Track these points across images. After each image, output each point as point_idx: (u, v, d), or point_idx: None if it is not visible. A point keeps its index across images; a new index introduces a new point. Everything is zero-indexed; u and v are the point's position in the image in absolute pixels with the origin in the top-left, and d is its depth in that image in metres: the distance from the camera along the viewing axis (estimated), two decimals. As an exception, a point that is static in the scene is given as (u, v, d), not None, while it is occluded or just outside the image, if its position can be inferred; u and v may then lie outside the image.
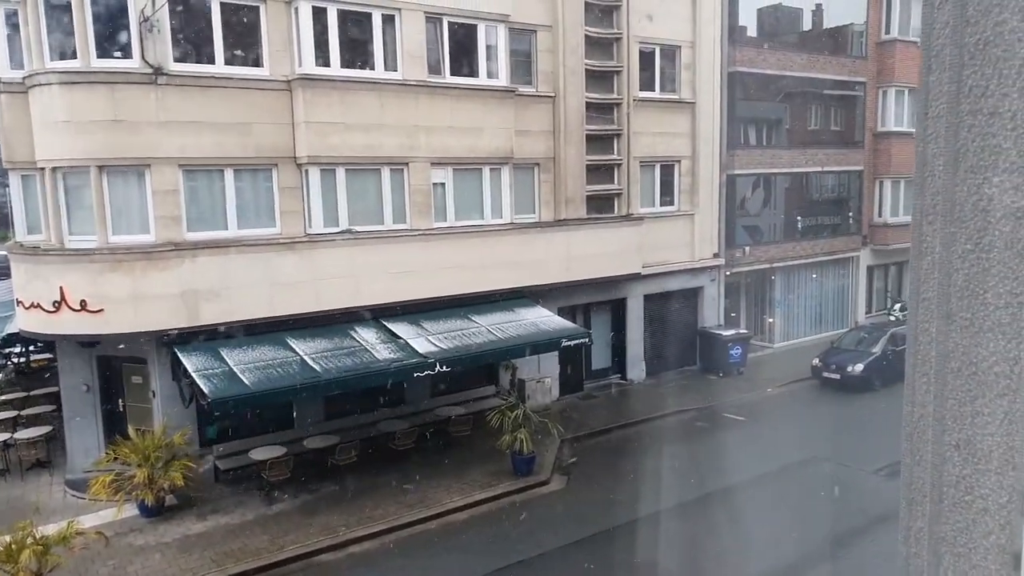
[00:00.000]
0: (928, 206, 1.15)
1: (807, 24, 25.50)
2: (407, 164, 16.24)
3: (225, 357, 13.88)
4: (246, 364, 13.77)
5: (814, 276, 26.13)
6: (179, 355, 13.84)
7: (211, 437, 15.33)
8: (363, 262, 15.52)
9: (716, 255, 22.68)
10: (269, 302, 14.52)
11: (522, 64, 18.52)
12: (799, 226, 25.22)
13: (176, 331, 13.92)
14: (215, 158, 14.36)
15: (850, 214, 26.75)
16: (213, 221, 14.68)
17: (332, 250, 15.26)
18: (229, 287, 14.12)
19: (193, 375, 13.29)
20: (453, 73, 16.71)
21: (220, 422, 15.24)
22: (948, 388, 1.13)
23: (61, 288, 13.42)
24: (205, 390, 12.81)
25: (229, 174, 14.65)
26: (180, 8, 13.86)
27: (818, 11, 25.64)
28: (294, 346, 14.55)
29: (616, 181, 20.34)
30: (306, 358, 14.24)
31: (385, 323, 15.89)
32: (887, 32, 26.58)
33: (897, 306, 27.25)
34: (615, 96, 20.00)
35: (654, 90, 21.04)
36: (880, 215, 27.33)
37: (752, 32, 23.66)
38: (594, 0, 19.24)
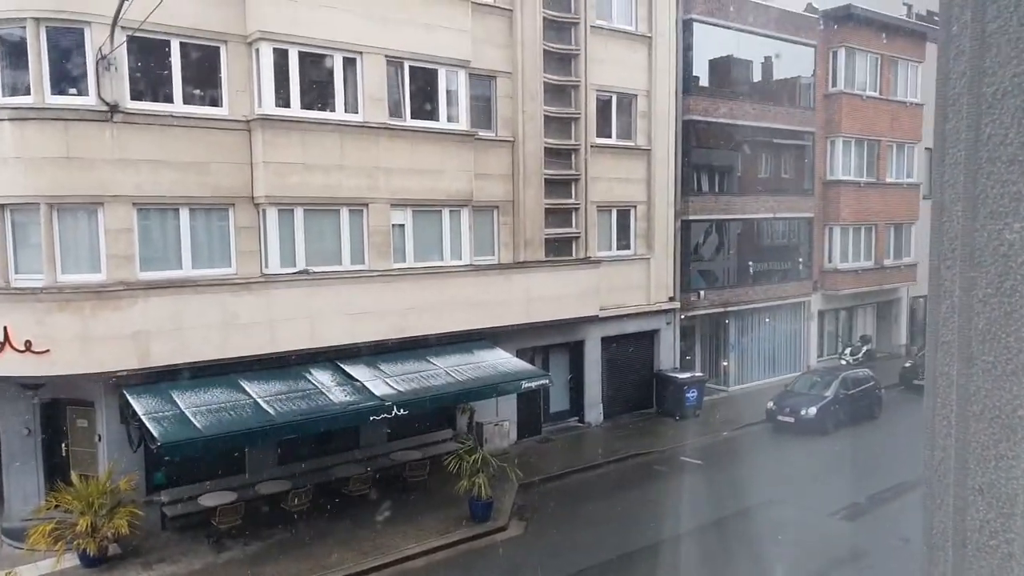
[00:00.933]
0: (947, 251, 1.16)
1: (757, 76, 26.38)
2: (367, 205, 16.18)
3: (176, 400, 13.47)
4: (198, 407, 13.37)
5: (767, 320, 26.63)
6: (128, 397, 13.37)
7: (159, 483, 14.76)
8: (320, 303, 15.30)
9: (672, 299, 22.98)
10: (223, 343, 14.18)
11: (482, 108, 18.75)
12: (751, 271, 25.74)
13: (126, 373, 13.47)
14: (171, 197, 14.12)
15: (800, 260, 27.44)
16: (167, 260, 14.38)
17: (289, 291, 15.02)
18: (182, 328, 13.75)
19: (143, 418, 12.84)
20: (414, 116, 16.82)
21: (169, 467, 14.71)
22: (970, 432, 1.13)
23: (5, 328, 12.91)
24: (155, 433, 12.38)
25: (185, 213, 14.40)
26: (139, 46, 13.72)
27: (768, 64, 26.54)
28: (248, 388, 14.19)
29: (574, 224, 20.57)
30: (260, 401, 13.89)
31: (341, 365, 15.63)
32: (833, 85, 27.67)
33: (848, 350, 27.91)
34: (573, 142, 20.33)
35: (611, 137, 21.46)
36: (830, 261, 28.09)
37: (705, 82, 24.38)
38: (553, 48, 19.66)
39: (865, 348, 28.22)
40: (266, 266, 15.18)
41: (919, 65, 29.94)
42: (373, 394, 14.71)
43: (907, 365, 26.49)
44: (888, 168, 29.30)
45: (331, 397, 14.50)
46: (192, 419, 12.94)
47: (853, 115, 27.78)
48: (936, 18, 33.91)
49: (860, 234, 28.70)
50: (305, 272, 15.38)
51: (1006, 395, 1.08)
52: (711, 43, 24.05)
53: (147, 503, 14.21)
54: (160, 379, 13.82)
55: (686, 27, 23.01)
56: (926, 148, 31.17)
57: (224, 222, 14.91)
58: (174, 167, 14.03)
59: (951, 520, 1.15)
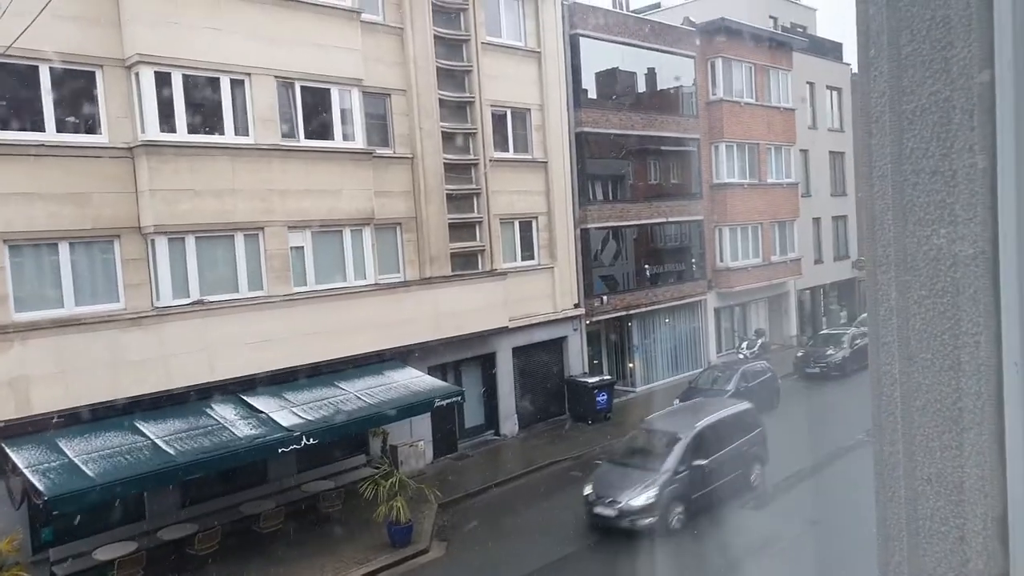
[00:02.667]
0: (881, 256, 1.24)
1: (642, 87, 27.30)
2: (262, 229, 15.71)
3: (64, 448, 12.59)
4: (89, 454, 12.55)
5: (667, 320, 27.51)
6: (7, 450, 12.40)
7: (47, 540, 13.71)
8: (218, 334, 14.70)
9: (577, 305, 23.40)
10: (114, 384, 13.39)
11: (379, 126, 18.59)
12: (648, 274, 26.56)
13: (2, 424, 12.50)
14: (47, 231, 13.26)
15: (694, 260, 28.52)
16: (46, 299, 13.48)
17: (183, 323, 14.36)
18: (66, 371, 12.91)
19: (24, 472, 11.92)
20: (308, 136, 16.50)
21: (58, 521, 13.71)
22: (915, 425, 1.20)
23: None
24: (40, 487, 11.51)
25: (64, 248, 13.56)
26: (5, 73, 12.87)
27: (651, 74, 27.49)
28: (144, 429, 13.46)
29: (478, 238, 20.65)
30: (158, 441, 13.19)
31: (245, 397, 15.06)
32: (714, 93, 28.99)
33: (744, 344, 29.18)
34: (472, 157, 20.44)
35: (509, 151, 21.72)
36: (722, 260, 29.32)
37: (593, 95, 25.03)
38: (446, 65, 19.73)
39: (760, 341, 29.59)
40: (157, 299, 14.48)
41: (788, 73, 31.81)
42: (280, 425, 14.24)
43: (799, 355, 27.99)
44: (768, 170, 30.91)
45: (235, 432, 13.94)
46: (83, 467, 12.13)
47: (733, 121, 29.18)
48: (799, 30, 36.22)
49: (748, 233, 30.13)
50: (200, 302, 14.77)
51: (946, 389, 1.16)
52: (597, 57, 24.75)
53: (34, 564, 13.17)
54: (44, 427, 12.90)
55: (573, 42, 23.58)
56: (800, 150, 33.11)
57: (109, 255, 14.13)
58: (50, 199, 13.19)
59: (903, 510, 1.22)
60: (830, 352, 27.13)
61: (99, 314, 13.71)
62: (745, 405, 17.17)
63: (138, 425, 13.51)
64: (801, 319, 34.26)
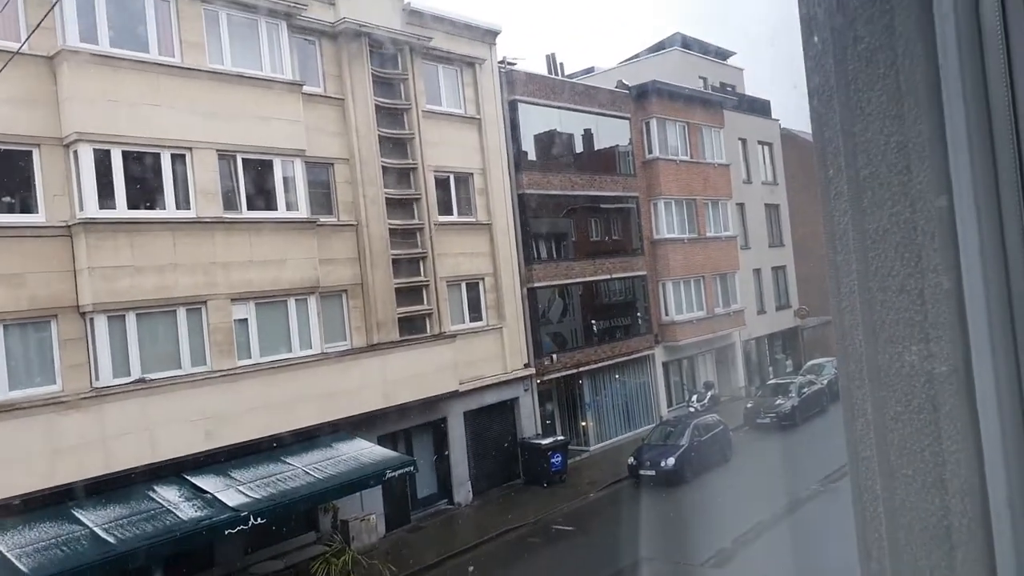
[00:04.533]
0: (854, 372, 1.26)
1: (580, 147, 27.95)
2: (205, 303, 15.37)
3: (-5, 543, 11.86)
4: (23, 548, 11.84)
5: (617, 376, 27.62)
6: (-68, 550, 11.62)
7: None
8: (160, 412, 14.18)
9: (527, 365, 23.35)
10: (50, 471, 12.74)
11: (322, 195, 18.55)
12: (596, 330, 26.73)
13: (-72, 521, 11.74)
14: (-22, 314, 12.74)
15: (640, 315, 28.86)
16: (-24, 385, 12.85)
17: (124, 403, 13.83)
18: (-2, 460, 12.24)
19: (-49, 571, 11.18)
20: (250, 207, 16.35)
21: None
22: (901, 544, 1.21)
23: None
24: (-30, 588, 10.80)
25: (-2, 330, 13.02)
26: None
27: (588, 135, 28.18)
28: (83, 518, 12.78)
29: (426, 301, 20.56)
30: (97, 530, 12.54)
31: (189, 478, 14.48)
32: (649, 152, 29.85)
33: (694, 397, 29.43)
34: (417, 221, 20.49)
35: (453, 214, 21.86)
36: (667, 314, 29.73)
37: (533, 156, 25.50)
38: (388, 134, 19.90)
39: (710, 394, 29.88)
40: (97, 379, 13.95)
41: (720, 130, 33.04)
42: (226, 505, 13.70)
43: (749, 406, 28.30)
44: (707, 224, 31.75)
45: (179, 515, 13.35)
46: (16, 562, 11.43)
47: (670, 178, 30.02)
48: (728, 89, 37.82)
49: (691, 286, 30.71)
50: (141, 381, 14.27)
51: (931, 507, 1.18)
52: (535, 120, 25.31)
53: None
54: (-26, 522, 12.15)
55: (511, 107, 24.09)
56: (737, 203, 34.17)
57: (46, 336, 13.61)
58: (-19, 281, 12.71)
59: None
60: (779, 402, 27.49)
61: (35, 398, 13.14)
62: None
63: (76, 513, 12.83)
64: (748, 370, 34.80)
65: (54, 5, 12.94)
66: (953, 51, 1.12)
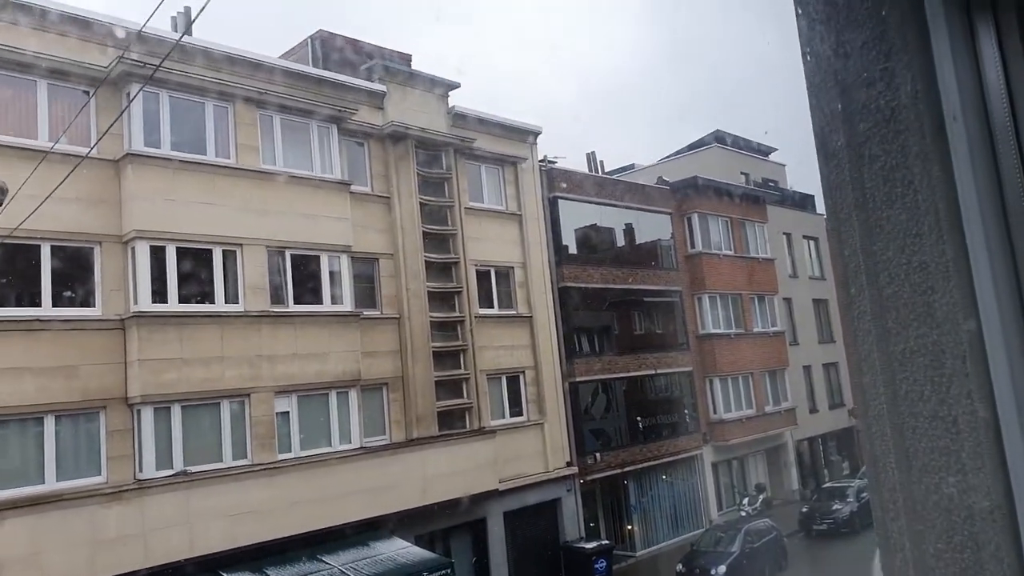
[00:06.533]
0: (887, 502, 1.19)
1: (621, 241, 28.13)
2: (249, 395, 15.52)
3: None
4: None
5: (664, 477, 26.76)
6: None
7: None
8: (200, 506, 14.14)
9: (569, 463, 22.82)
10: (89, 564, 12.69)
11: (366, 288, 18.88)
12: (641, 427, 26.12)
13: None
14: (34, 405, 13.08)
15: (687, 412, 28.18)
16: (27, 475, 13.11)
17: (165, 496, 13.85)
18: (39, 552, 12.26)
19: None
20: (297, 301, 16.69)
21: None
22: None
23: None
24: None
25: (50, 421, 13.31)
26: (6, 252, 13.12)
27: (629, 229, 28.41)
28: (116, 615, 12.60)
29: (466, 395, 20.44)
30: (130, 628, 12.33)
31: (224, 575, 14.26)
32: (692, 247, 29.87)
33: (745, 500, 28.26)
34: (458, 314, 20.63)
35: (493, 307, 21.97)
36: (715, 412, 28.98)
37: (574, 250, 25.71)
38: (431, 230, 20.35)
39: (762, 497, 28.67)
40: (140, 471, 14.04)
41: (763, 225, 33.01)
42: (261, 605, 13.40)
43: (804, 510, 26.97)
44: (754, 319, 31.31)
45: (214, 613, 13.08)
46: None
47: (714, 273, 29.89)
48: (771, 184, 38.03)
49: (739, 383, 30.00)
50: (183, 473, 14.31)
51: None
52: (576, 215, 25.65)
53: None
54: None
55: (552, 204, 24.51)
56: (783, 298, 33.73)
57: (94, 426, 13.86)
58: (40, 373, 13.11)
59: None
60: (836, 506, 26.10)
61: (80, 489, 13.26)
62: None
63: (109, 611, 12.66)
64: (802, 472, 33.42)
65: (122, 112, 13.79)
66: (968, 171, 1.10)
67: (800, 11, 1.37)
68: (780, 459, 32.56)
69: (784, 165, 41.67)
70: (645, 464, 25.80)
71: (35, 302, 13.47)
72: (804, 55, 1.34)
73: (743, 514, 26.65)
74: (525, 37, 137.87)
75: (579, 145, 79.53)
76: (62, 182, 11.57)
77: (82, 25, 14.50)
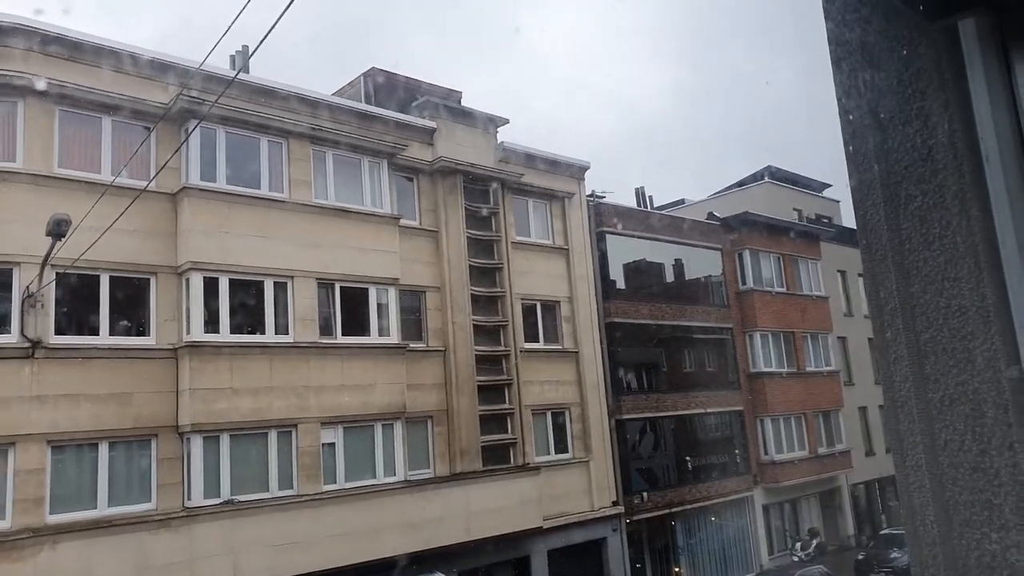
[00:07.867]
0: (927, 557, 1.13)
1: (670, 276, 27.85)
2: (296, 425, 15.69)
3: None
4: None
5: (713, 519, 26.08)
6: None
7: None
8: (244, 536, 14.26)
9: (615, 503, 22.41)
10: (135, 591, 12.87)
11: (413, 321, 19.02)
12: (690, 467, 25.55)
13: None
14: (90, 431, 13.45)
15: (738, 452, 27.50)
16: (81, 500, 13.41)
17: (211, 524, 14.01)
18: (89, 576, 12.49)
19: None
20: (345, 333, 16.88)
21: None
22: None
23: None
24: None
25: (104, 447, 13.65)
26: (67, 282, 13.63)
27: (678, 265, 28.13)
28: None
29: (510, 430, 20.31)
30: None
31: (267, 605, 14.30)
32: (743, 283, 29.39)
33: (798, 545, 27.33)
34: (503, 348, 20.60)
35: (539, 341, 21.89)
36: (766, 453, 28.22)
37: (622, 285, 25.53)
38: (478, 263, 20.47)
39: (815, 542, 27.69)
40: (189, 498, 14.25)
41: (817, 262, 32.35)
42: (303, 637, 13.37)
43: (860, 558, 25.96)
44: (807, 358, 30.55)
45: (256, 645, 13.10)
46: None
47: (765, 310, 29.32)
48: (824, 220, 37.32)
49: (791, 424, 29.20)
50: (230, 502, 14.47)
51: None
52: (624, 250, 25.50)
53: None
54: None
55: (599, 238, 24.43)
56: (838, 337, 32.88)
57: (145, 453, 14.15)
58: (95, 400, 13.49)
59: None
60: (895, 555, 24.96)
61: (130, 515, 13.51)
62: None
63: (153, 638, 12.78)
64: (857, 517, 32.22)
65: (180, 146, 14.29)
66: (1006, 213, 1.05)
67: (834, 48, 1.35)
68: (834, 503, 31.48)
69: (839, 201, 40.92)
70: (693, 505, 25.19)
71: (93, 330, 13.91)
72: (838, 94, 1.32)
73: (795, 559, 25.78)
74: (572, 78, 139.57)
75: (627, 181, 79.54)
76: (121, 214, 12.00)
77: (146, 65, 15.14)
